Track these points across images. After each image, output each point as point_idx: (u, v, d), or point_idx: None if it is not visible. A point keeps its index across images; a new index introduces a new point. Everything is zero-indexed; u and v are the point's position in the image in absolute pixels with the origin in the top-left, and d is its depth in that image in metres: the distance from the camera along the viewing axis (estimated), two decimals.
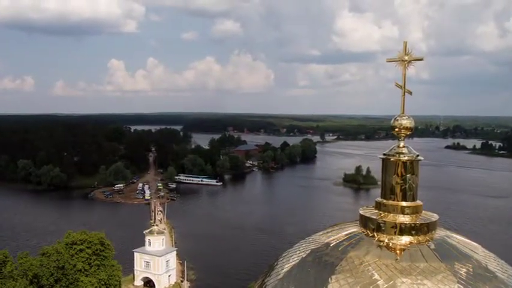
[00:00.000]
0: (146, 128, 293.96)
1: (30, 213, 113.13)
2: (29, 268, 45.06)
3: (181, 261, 70.96)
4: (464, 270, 6.19)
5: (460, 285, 5.94)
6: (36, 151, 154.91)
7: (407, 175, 6.86)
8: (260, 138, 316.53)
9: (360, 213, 7.11)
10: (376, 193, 7.35)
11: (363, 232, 6.86)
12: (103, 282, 49.72)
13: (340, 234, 7.04)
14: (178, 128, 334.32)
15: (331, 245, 6.84)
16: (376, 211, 6.98)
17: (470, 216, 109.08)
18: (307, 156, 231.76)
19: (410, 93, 7.01)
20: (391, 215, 6.80)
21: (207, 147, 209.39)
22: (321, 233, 7.51)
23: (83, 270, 48.75)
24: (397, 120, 7.11)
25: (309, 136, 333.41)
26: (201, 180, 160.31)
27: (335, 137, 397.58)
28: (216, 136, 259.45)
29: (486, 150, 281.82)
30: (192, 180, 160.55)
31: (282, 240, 74.13)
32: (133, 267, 64.58)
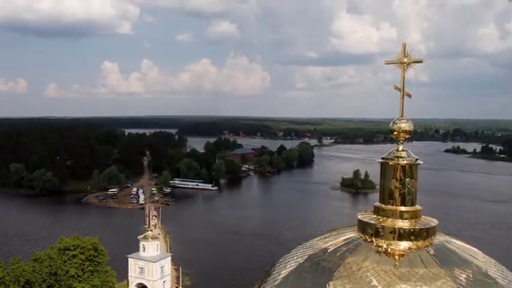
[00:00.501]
0: (140, 131, 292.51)
1: (23, 218, 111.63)
2: (21, 274, 44.35)
3: (176, 267, 70.33)
4: (464, 276, 6.12)
5: None
6: (28, 155, 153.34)
7: (406, 179, 6.78)
8: (256, 142, 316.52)
9: (358, 218, 7.02)
10: (374, 198, 7.27)
11: (361, 237, 6.77)
12: None
13: (338, 240, 6.95)
14: (173, 131, 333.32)
15: (329, 251, 6.75)
16: (375, 216, 6.90)
17: (470, 221, 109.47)
18: (304, 160, 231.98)
19: (410, 96, 6.95)
20: (390, 220, 6.71)
21: (202, 150, 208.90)
22: (318, 238, 7.41)
23: (76, 276, 48.09)
24: (396, 123, 7.03)
25: (306, 139, 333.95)
26: (196, 185, 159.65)
27: (333, 140, 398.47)
28: (212, 139, 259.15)
29: (486, 154, 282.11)
30: (187, 185, 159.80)
31: (279, 246, 73.90)
32: (128, 273, 63.85)
